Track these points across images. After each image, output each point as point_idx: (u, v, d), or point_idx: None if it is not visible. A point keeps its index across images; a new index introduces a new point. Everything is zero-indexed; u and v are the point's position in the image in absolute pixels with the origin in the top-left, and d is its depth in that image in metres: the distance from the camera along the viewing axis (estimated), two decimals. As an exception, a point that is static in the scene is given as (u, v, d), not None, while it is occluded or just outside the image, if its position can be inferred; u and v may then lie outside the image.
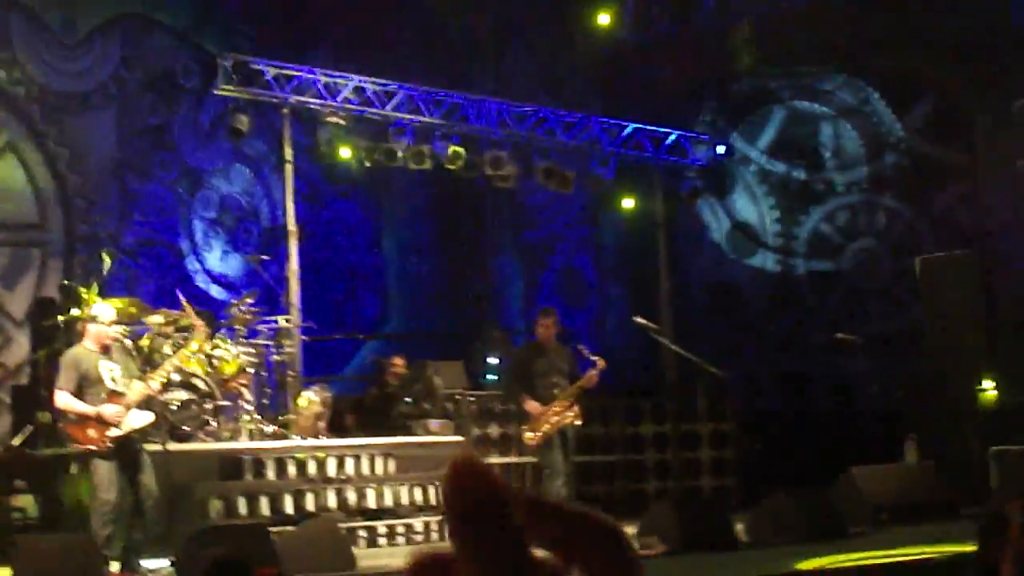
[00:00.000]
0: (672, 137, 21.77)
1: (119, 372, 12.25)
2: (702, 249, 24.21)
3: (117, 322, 12.58)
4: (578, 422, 14.61)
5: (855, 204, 23.52)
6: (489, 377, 20.30)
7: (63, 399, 12.02)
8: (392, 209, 24.00)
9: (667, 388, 19.99)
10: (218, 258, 21.68)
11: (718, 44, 22.92)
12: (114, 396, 12.10)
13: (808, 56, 22.89)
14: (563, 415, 14.37)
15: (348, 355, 22.46)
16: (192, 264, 21.42)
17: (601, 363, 14.44)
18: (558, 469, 14.39)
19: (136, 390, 12.27)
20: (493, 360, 20.62)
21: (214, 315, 17.72)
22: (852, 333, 17.40)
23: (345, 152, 19.28)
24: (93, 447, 11.92)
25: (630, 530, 13.20)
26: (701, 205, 23.86)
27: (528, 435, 14.47)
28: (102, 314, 12.37)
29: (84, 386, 12.05)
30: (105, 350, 12.26)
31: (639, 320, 15.59)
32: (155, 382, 12.62)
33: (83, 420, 11.97)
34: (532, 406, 14.37)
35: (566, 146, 20.83)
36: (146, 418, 12.33)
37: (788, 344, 22.74)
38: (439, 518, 15.39)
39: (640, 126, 21.45)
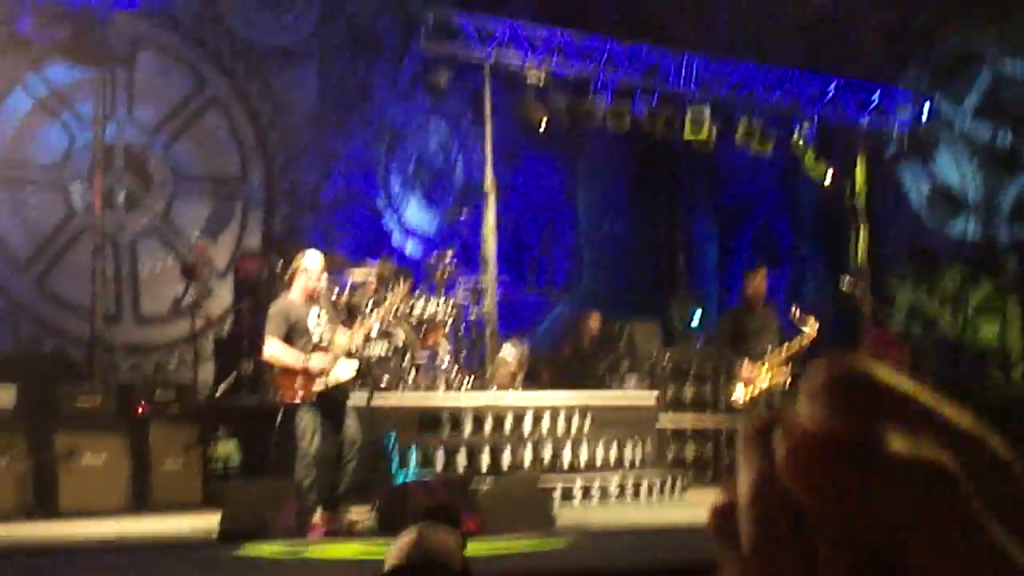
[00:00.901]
0: (875, 96, 21.38)
1: (325, 324, 12.30)
2: (901, 213, 23.79)
3: (322, 273, 12.61)
4: (788, 386, 14.23)
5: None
6: (694, 326, 20.17)
7: (271, 348, 12.07)
8: (587, 168, 23.95)
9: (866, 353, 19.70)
10: (415, 214, 21.83)
11: None
12: (319, 348, 12.17)
13: (1018, 14, 22.32)
14: (773, 377, 14.10)
15: (542, 312, 22.50)
16: (389, 220, 21.59)
17: (811, 331, 14.14)
18: None
19: (341, 342, 12.32)
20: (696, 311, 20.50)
21: (412, 271, 17.86)
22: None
23: (544, 112, 19.24)
24: (298, 399, 11.99)
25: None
26: (902, 168, 23.46)
27: (736, 396, 14.22)
28: (311, 264, 12.37)
29: (292, 336, 12.09)
30: (312, 301, 12.31)
31: (843, 287, 15.33)
32: (359, 335, 12.67)
33: (289, 371, 12.05)
34: (744, 367, 14.10)
35: (767, 106, 20.56)
36: (350, 369, 12.33)
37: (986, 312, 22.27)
38: (633, 476, 15.38)
39: (843, 81, 21.06)
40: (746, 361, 14.04)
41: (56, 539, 11.34)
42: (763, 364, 14.04)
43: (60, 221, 18.63)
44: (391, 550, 3.85)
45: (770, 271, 14.77)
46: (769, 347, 14.15)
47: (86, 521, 12.61)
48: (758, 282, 14.52)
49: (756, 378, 13.96)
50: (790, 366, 14.21)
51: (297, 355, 11.98)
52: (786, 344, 14.18)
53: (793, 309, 14.40)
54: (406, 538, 3.84)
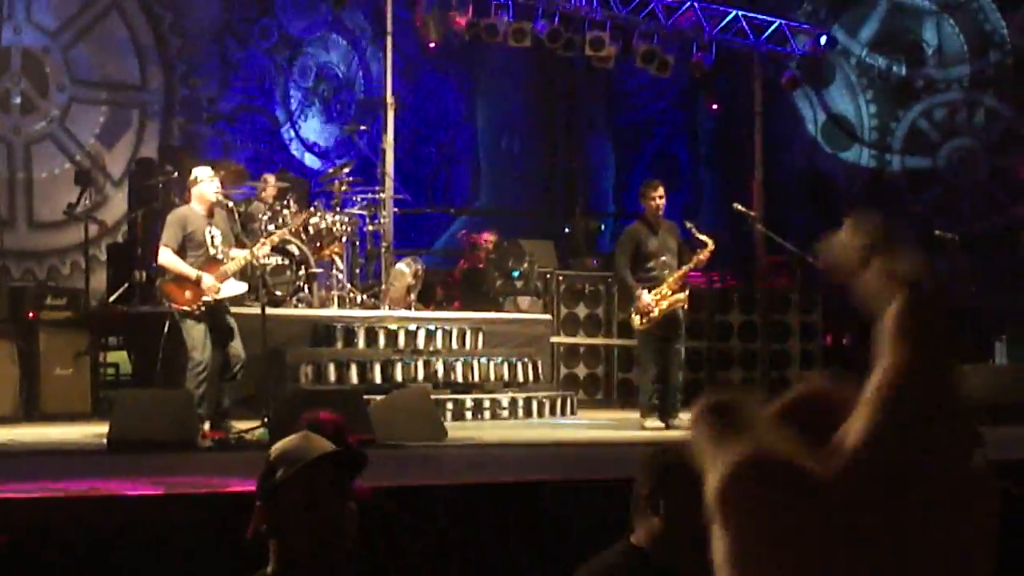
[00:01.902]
0: (774, 26, 21.48)
1: (220, 239, 12.35)
2: (797, 140, 24.01)
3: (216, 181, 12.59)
4: (686, 306, 14.09)
5: (954, 102, 23.24)
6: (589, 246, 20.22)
7: (166, 256, 12.12)
8: (487, 85, 23.93)
9: (757, 278, 19.87)
10: (313, 127, 21.74)
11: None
12: (213, 263, 12.20)
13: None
14: (674, 298, 13.84)
15: (439, 229, 22.52)
16: (287, 132, 21.50)
17: (711, 244, 13.92)
18: (670, 353, 13.93)
19: (236, 260, 12.38)
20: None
21: (309, 183, 17.82)
22: (947, 231, 17.12)
23: (444, 27, 19.17)
24: (186, 308, 12.04)
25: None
26: (798, 96, 23.64)
27: (636, 319, 13.93)
28: (202, 175, 12.44)
29: (187, 247, 12.16)
30: (210, 214, 12.35)
31: (738, 206, 15.19)
32: (253, 254, 12.73)
33: (181, 280, 12.08)
34: (641, 298, 13.74)
35: (666, 30, 20.59)
36: (240, 288, 12.46)
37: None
38: (524, 394, 15.49)
39: (742, 12, 21.16)
40: (644, 292, 13.73)
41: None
42: (661, 289, 13.79)
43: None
44: (276, 446, 3.91)
45: (667, 194, 14.61)
46: (667, 268, 13.92)
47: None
48: (657, 195, 14.16)
49: (655, 306, 13.72)
50: (687, 285, 14.09)
51: (189, 266, 12.03)
52: (686, 264, 13.97)
53: (689, 226, 14.17)
54: (293, 436, 3.90)
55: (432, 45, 19.56)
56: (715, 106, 22.47)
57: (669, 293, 13.80)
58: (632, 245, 14.10)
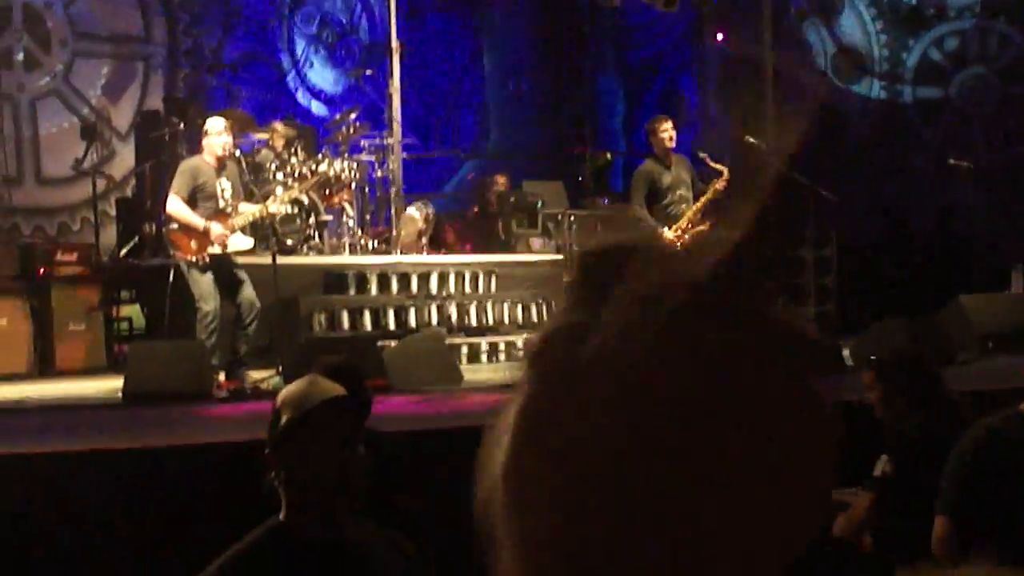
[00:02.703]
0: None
1: (230, 192, 12.31)
2: (807, 73, 23.82)
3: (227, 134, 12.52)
4: None
5: (966, 30, 23.04)
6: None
7: (175, 204, 12.06)
8: (493, 27, 23.78)
9: (769, 211, 19.74)
10: (319, 74, 21.63)
11: None
12: (222, 215, 12.16)
13: None
14: (695, 231, 13.59)
15: (448, 173, 22.43)
16: (293, 80, 21.39)
17: (726, 172, 13.76)
18: None
19: (245, 214, 12.35)
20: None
21: (316, 131, 17.73)
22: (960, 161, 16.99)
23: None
24: (192, 258, 11.99)
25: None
26: (807, 28, 23.46)
27: None
28: (213, 127, 12.38)
29: (197, 197, 12.11)
30: (221, 165, 12.29)
31: (750, 140, 15.07)
32: (266, 209, 12.70)
33: (188, 230, 12.03)
34: (661, 229, 13.37)
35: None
36: (247, 243, 12.42)
37: (892, 172, 22.42)
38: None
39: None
40: (663, 229, 13.40)
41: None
42: (681, 224, 13.61)
43: (-45, 82, 18.33)
44: (281, 392, 3.85)
45: (676, 130, 14.45)
46: (684, 203, 13.78)
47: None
48: (667, 128, 13.97)
49: (677, 241, 13.52)
50: (706, 218, 13.73)
51: (199, 216, 11.99)
52: (702, 196, 13.78)
53: (702, 155, 14.02)
54: (299, 382, 3.84)
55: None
56: (720, 35, 22.21)
57: (689, 227, 13.60)
58: (646, 184, 13.88)
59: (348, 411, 3.78)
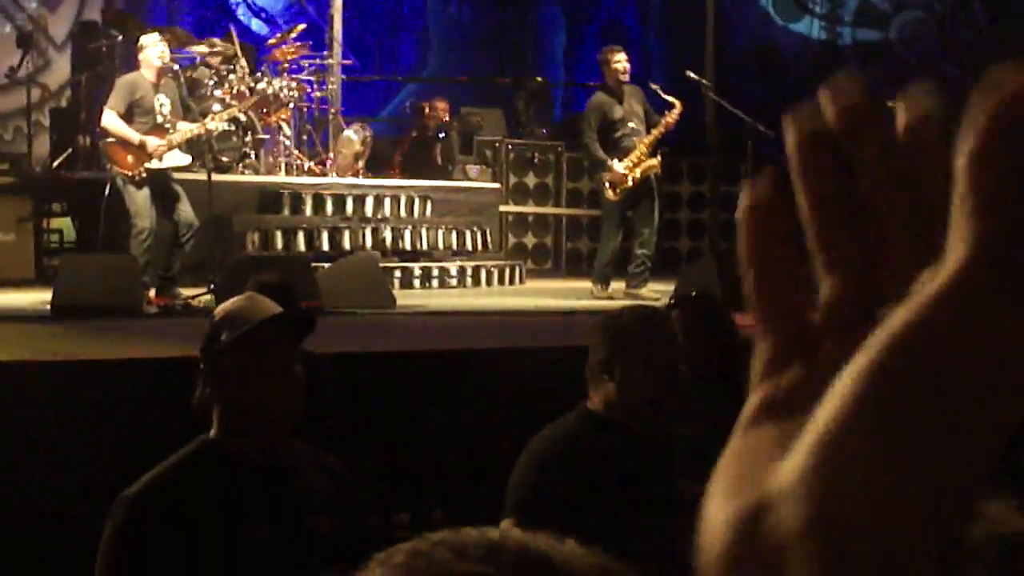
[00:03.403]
0: None
1: (168, 108, 12.22)
2: (748, 11, 23.82)
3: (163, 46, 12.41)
4: (659, 171, 13.72)
5: (907, -27, 23.11)
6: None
7: (110, 119, 11.97)
8: (435, -50, 23.62)
9: (708, 148, 19.77)
10: (260, -9, 21.43)
11: None
12: (160, 130, 12.08)
13: None
14: (647, 164, 13.43)
15: (386, 97, 22.32)
16: (234, -4, 21.20)
17: (679, 105, 13.61)
18: (645, 220, 13.66)
19: (183, 131, 12.27)
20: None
21: (256, 48, 17.57)
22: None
23: None
24: (128, 172, 11.91)
25: (669, 287, 13.19)
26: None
27: (609, 191, 13.43)
28: (150, 41, 12.28)
29: (135, 113, 12.03)
30: (159, 80, 12.20)
31: (691, 74, 14.99)
32: (204, 127, 12.63)
33: (125, 144, 11.94)
34: (612, 168, 13.29)
35: None
36: (184, 160, 12.39)
37: (830, 112, 22.48)
38: (473, 263, 15.43)
39: None
40: (615, 162, 13.32)
41: None
42: (632, 157, 13.37)
43: None
44: (220, 308, 3.82)
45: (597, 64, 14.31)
46: (636, 135, 13.51)
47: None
48: (621, 59, 13.69)
49: (628, 174, 13.29)
50: (658, 151, 13.71)
51: (133, 131, 11.90)
52: (655, 128, 13.57)
53: (654, 87, 13.86)
54: (238, 298, 3.81)
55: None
56: None
57: (641, 160, 13.42)
58: (597, 115, 13.62)
59: (290, 329, 3.76)
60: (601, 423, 4.32)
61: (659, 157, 13.68)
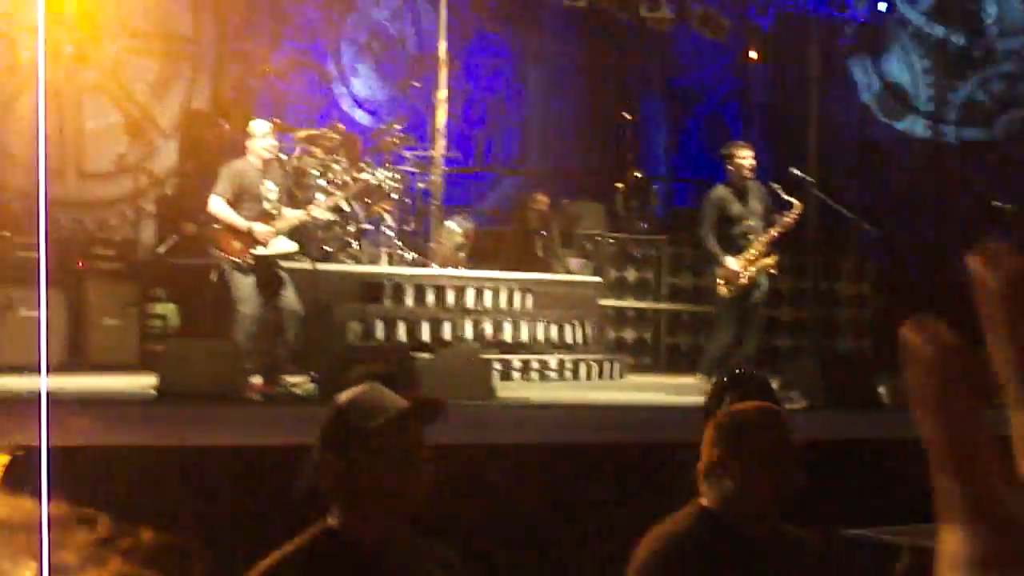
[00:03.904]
0: (831, -9, 21.29)
1: (275, 195, 12.29)
2: (851, 109, 23.76)
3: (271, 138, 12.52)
4: (774, 270, 13.65)
5: (1013, 73, 22.96)
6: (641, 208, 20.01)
7: (218, 205, 12.05)
8: (539, 45, 23.75)
9: (810, 245, 19.67)
10: (365, 83, 21.63)
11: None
12: (266, 217, 12.15)
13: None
14: (762, 263, 13.37)
15: (488, 189, 22.42)
16: (339, 88, 21.39)
17: (798, 205, 13.55)
18: (751, 321, 13.55)
19: (288, 218, 12.32)
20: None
21: (360, 139, 17.74)
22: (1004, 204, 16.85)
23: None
24: (235, 259, 11.98)
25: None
26: (854, 64, 23.41)
27: (722, 287, 13.30)
28: (259, 129, 12.38)
29: (241, 199, 12.10)
30: (266, 168, 12.29)
31: (794, 171, 14.87)
32: (309, 214, 12.69)
33: (232, 230, 12.02)
34: (727, 265, 13.21)
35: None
36: (290, 246, 12.39)
37: (933, 212, 22.35)
38: (572, 356, 15.40)
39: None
40: (730, 259, 13.25)
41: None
42: (748, 254, 13.33)
43: (4, 71, 18.35)
44: (345, 396, 3.80)
45: (718, 158, 14.26)
46: (753, 233, 13.47)
47: (20, 376, 12.49)
48: (748, 156, 13.61)
49: (743, 272, 13.21)
50: (773, 250, 13.56)
51: (241, 217, 11.99)
52: (773, 227, 13.52)
53: (775, 187, 13.70)
54: (362, 387, 3.79)
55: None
56: (754, 54, 21.80)
57: (756, 258, 13.36)
58: (716, 210, 13.52)
59: (418, 420, 3.74)
60: (716, 522, 4.27)
61: (775, 256, 13.55)
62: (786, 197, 13.61)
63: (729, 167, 13.71)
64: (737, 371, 6.33)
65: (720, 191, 13.69)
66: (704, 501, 4.33)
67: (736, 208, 13.50)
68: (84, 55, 18.71)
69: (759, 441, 4.25)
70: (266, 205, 12.17)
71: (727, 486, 4.24)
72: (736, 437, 4.26)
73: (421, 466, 3.66)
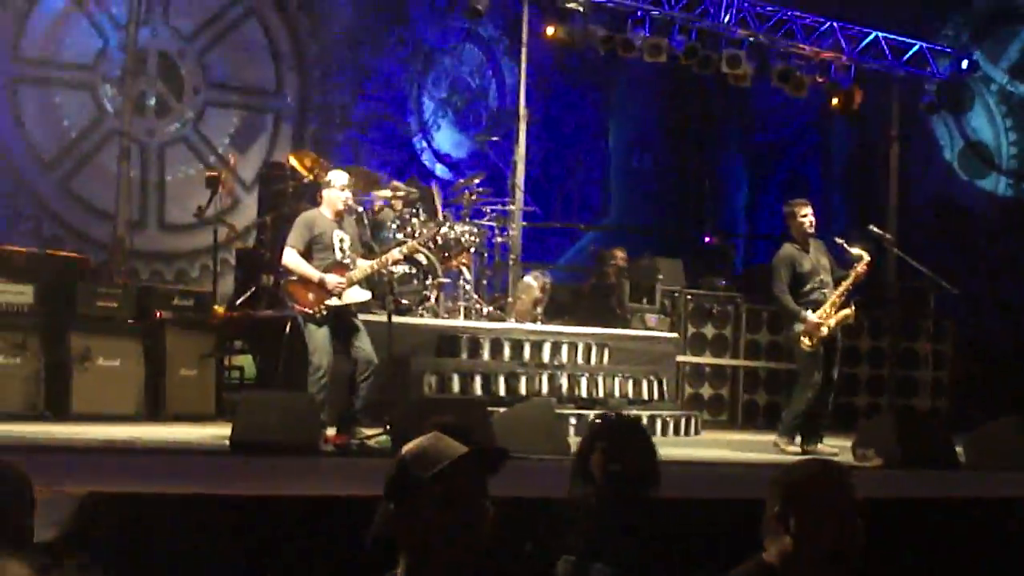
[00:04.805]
0: (914, 48, 21.17)
1: (348, 244, 12.29)
2: (933, 166, 23.62)
3: (348, 190, 12.53)
4: (852, 321, 13.64)
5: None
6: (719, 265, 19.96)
7: (290, 257, 12.07)
8: (620, 101, 23.81)
9: (889, 302, 19.53)
10: (445, 137, 21.73)
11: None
12: (340, 267, 12.14)
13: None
14: (841, 315, 13.36)
15: (567, 244, 22.43)
16: (419, 142, 21.52)
17: (866, 256, 13.46)
18: (830, 377, 13.49)
19: (362, 267, 12.30)
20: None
21: (439, 193, 17.80)
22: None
23: (581, 40, 19.07)
24: (309, 311, 11.99)
25: (846, 442, 12.94)
26: (936, 121, 23.28)
27: (806, 341, 13.28)
28: (336, 180, 12.39)
29: (314, 249, 12.11)
30: (339, 218, 12.30)
31: (873, 228, 14.80)
32: (383, 263, 12.66)
33: (305, 282, 12.02)
34: (808, 320, 13.24)
35: (805, 50, 20.36)
36: (363, 296, 12.34)
37: (1015, 269, 22.14)
38: (649, 412, 15.32)
39: (882, 34, 20.87)
40: (809, 313, 13.29)
41: (67, 441, 11.29)
42: (826, 308, 13.33)
43: (89, 123, 18.58)
44: (407, 447, 3.78)
45: (782, 217, 14.21)
46: (825, 287, 13.51)
47: (98, 425, 12.57)
48: (808, 213, 13.71)
49: (822, 325, 13.25)
50: (850, 301, 13.46)
51: (314, 268, 12.00)
52: (844, 280, 13.45)
53: (839, 241, 13.62)
54: (424, 437, 3.77)
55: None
56: (835, 101, 21.58)
57: (834, 311, 13.37)
58: (788, 268, 13.58)
59: (481, 466, 3.72)
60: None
61: (853, 307, 13.49)
62: (851, 250, 13.53)
63: (791, 224, 13.79)
64: (605, 415, 6.26)
65: (788, 249, 13.74)
66: (766, 556, 4.31)
67: (807, 264, 13.56)
68: (166, 107, 18.93)
69: (818, 497, 4.23)
70: (338, 255, 12.18)
71: (785, 541, 4.22)
72: (794, 492, 4.25)
73: (483, 515, 3.63)
